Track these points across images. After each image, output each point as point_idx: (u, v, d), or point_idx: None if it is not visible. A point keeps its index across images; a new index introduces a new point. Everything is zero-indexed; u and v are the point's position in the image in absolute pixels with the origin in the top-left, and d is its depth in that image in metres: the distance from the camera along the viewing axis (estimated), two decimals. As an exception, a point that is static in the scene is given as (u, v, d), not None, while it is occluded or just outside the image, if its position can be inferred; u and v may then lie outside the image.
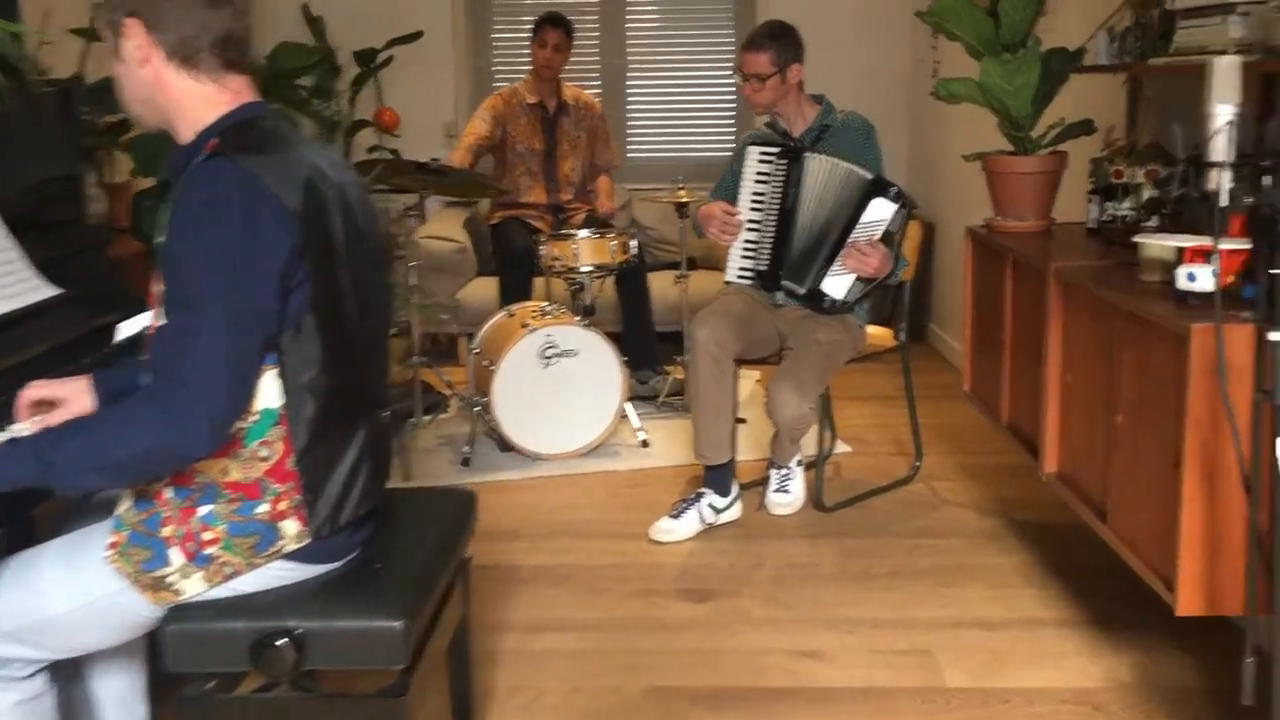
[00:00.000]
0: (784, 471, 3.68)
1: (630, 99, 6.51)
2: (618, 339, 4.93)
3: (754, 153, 3.60)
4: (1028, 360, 3.05)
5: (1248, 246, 2.13)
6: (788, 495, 3.67)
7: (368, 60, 5.89)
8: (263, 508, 1.75)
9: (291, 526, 1.77)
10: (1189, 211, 2.69)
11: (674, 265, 4.92)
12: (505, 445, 4.19)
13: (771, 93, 3.54)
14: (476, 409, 4.24)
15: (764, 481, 3.76)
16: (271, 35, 6.13)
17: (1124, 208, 3.03)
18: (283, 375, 1.71)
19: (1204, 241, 2.20)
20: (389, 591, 1.81)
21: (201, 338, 1.60)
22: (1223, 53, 2.38)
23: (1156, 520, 2.27)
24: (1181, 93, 3.11)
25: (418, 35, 5.91)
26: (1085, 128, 3.34)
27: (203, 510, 1.75)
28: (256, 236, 1.63)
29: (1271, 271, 1.79)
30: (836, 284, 3.44)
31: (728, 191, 3.71)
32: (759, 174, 3.58)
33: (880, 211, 3.36)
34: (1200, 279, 2.17)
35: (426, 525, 2.07)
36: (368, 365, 1.89)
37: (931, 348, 5.84)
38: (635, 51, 6.47)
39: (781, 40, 3.53)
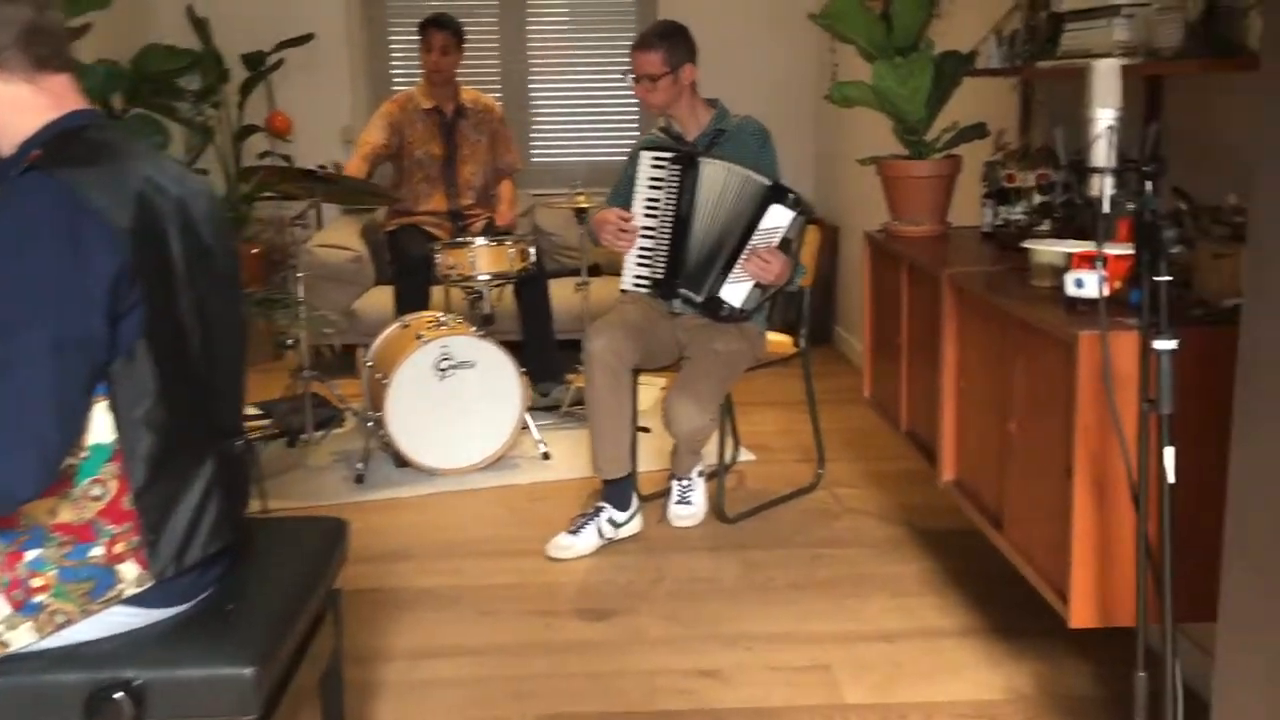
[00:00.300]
0: (685, 483, 3.61)
1: (533, 102, 6.40)
2: (518, 348, 4.84)
3: (647, 158, 3.51)
4: (925, 366, 3.02)
5: (1133, 252, 2.10)
6: (689, 507, 3.60)
7: (256, 64, 5.70)
8: (97, 551, 1.62)
9: (130, 570, 1.64)
10: (1080, 215, 2.67)
11: (577, 272, 4.83)
12: (401, 461, 4.05)
13: (664, 94, 3.46)
14: (370, 424, 4.10)
15: (666, 493, 3.68)
16: (155, 39, 5.92)
17: (1016, 212, 3.01)
18: (114, 408, 1.58)
19: (1090, 247, 2.16)
20: (240, 634, 1.68)
21: (18, 369, 1.46)
22: (1107, 55, 2.35)
23: (1050, 530, 2.23)
24: (1069, 96, 3.10)
25: (308, 38, 5.74)
26: (978, 131, 3.32)
27: (30, 555, 1.61)
28: (78, 256, 1.49)
29: (1155, 279, 1.75)
30: (734, 291, 3.37)
31: (622, 197, 3.63)
32: (652, 179, 3.50)
33: (778, 218, 3.30)
34: (1087, 285, 2.13)
35: (289, 559, 1.94)
36: (215, 393, 1.76)
37: (837, 351, 5.83)
38: (537, 54, 6.36)
39: (672, 40, 3.46)
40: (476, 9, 6.26)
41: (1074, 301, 2.19)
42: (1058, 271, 2.38)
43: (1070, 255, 2.20)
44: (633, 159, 3.63)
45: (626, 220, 3.48)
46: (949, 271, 2.75)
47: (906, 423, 3.21)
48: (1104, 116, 1.73)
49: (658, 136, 3.63)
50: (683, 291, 3.47)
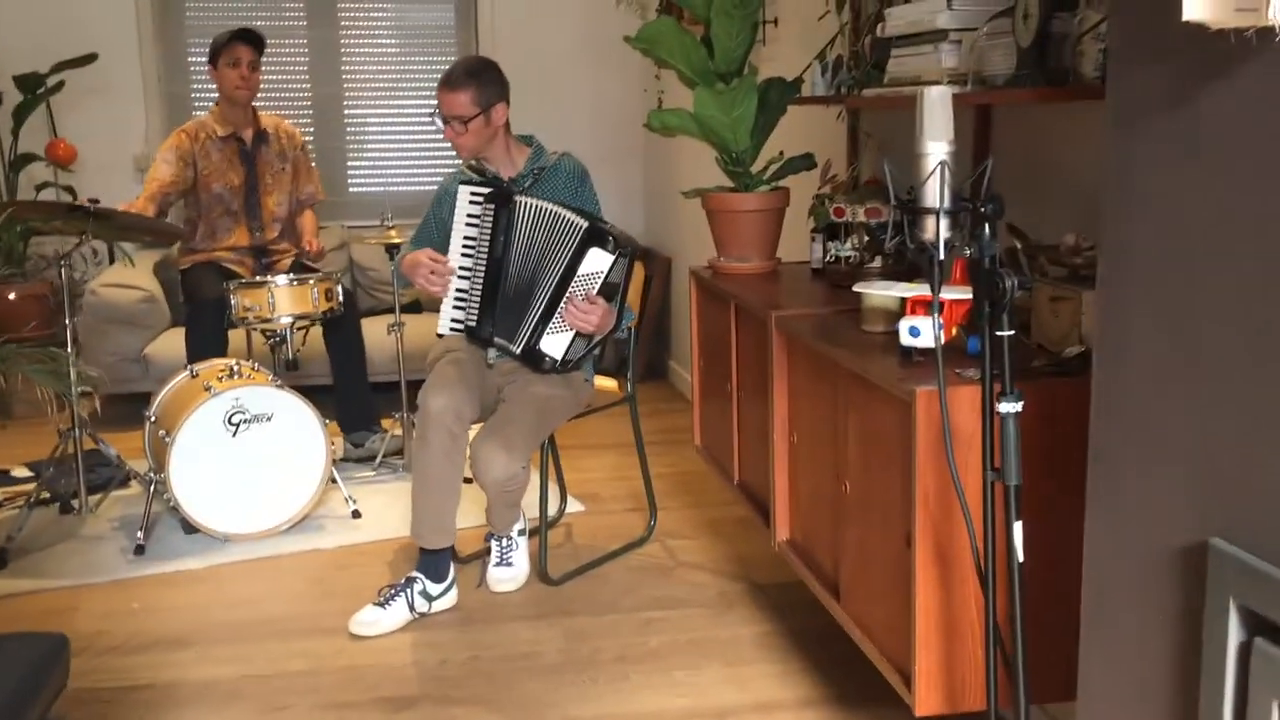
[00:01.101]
0: (505, 543, 3.31)
1: (350, 129, 6.02)
2: (330, 392, 4.46)
3: (465, 193, 3.22)
4: (756, 415, 2.81)
5: (970, 296, 1.92)
6: (510, 569, 3.30)
7: (32, 86, 5.17)
8: None
9: None
10: (912, 253, 2.49)
11: (403, 308, 4.47)
12: (190, 527, 3.63)
13: (475, 137, 3.18)
14: (152, 486, 3.66)
15: (485, 553, 3.38)
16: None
17: (846, 248, 2.84)
18: None
19: (924, 291, 1.98)
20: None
21: None
22: (936, 82, 2.19)
23: (890, 606, 2.03)
24: (897, 126, 2.95)
25: (91, 58, 5.25)
26: (806, 162, 3.15)
27: None
28: None
29: (996, 333, 1.56)
30: (555, 342, 3.09)
31: (428, 236, 3.33)
32: (469, 216, 3.21)
33: (598, 263, 3.03)
34: (923, 333, 1.94)
35: (-16, 694, 1.57)
36: None
37: (672, 387, 5.63)
38: (353, 78, 5.99)
39: (482, 77, 3.18)
40: (282, 29, 5.86)
41: (909, 352, 2.00)
42: (891, 316, 2.20)
43: (904, 301, 2.01)
44: (445, 194, 3.33)
45: (439, 262, 3.18)
46: (777, 314, 2.55)
47: (739, 474, 3.00)
48: (936, 150, 1.53)
49: (464, 171, 3.33)
50: (498, 340, 3.18)
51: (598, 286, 3.03)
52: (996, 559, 1.65)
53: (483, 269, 3.16)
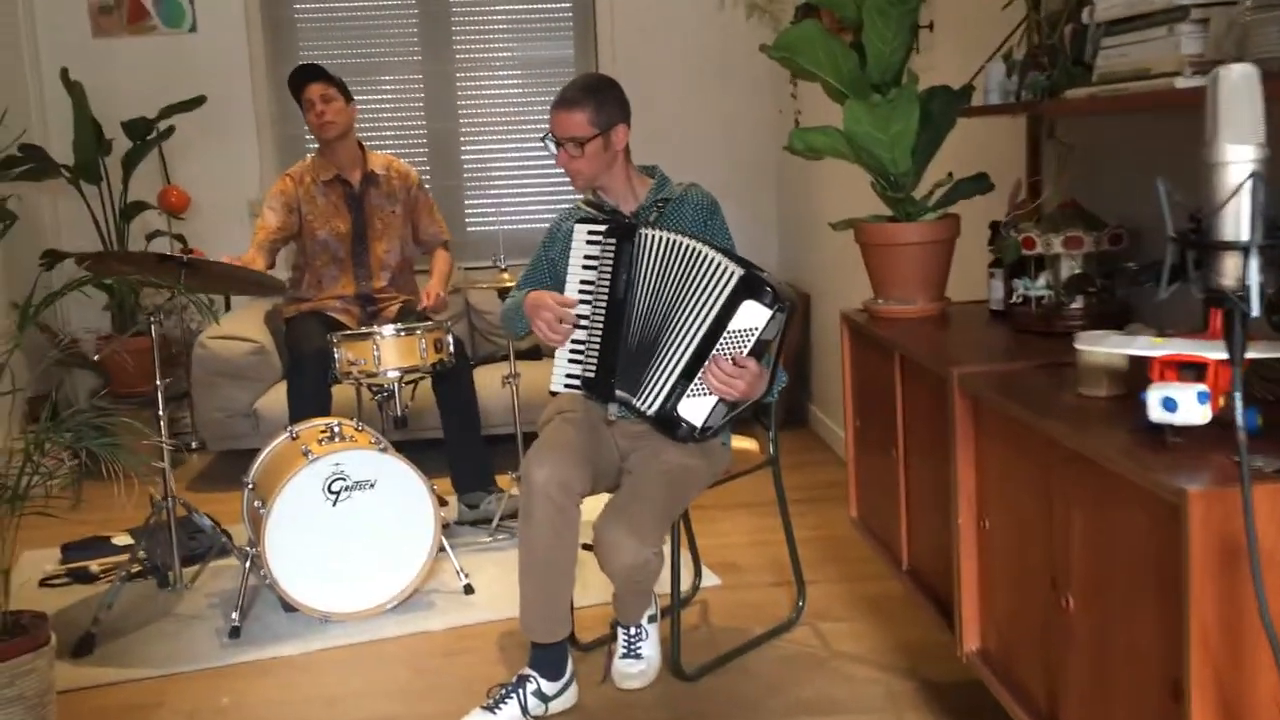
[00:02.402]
0: (633, 631, 2.88)
1: (466, 167, 5.73)
2: (441, 447, 4.12)
3: (582, 232, 2.81)
4: (930, 489, 2.32)
5: (1250, 355, 1.41)
6: (638, 663, 2.86)
7: (142, 132, 5.00)
8: None
9: None
10: (1131, 292, 1.99)
11: (519, 355, 4.11)
12: (289, 605, 3.30)
13: (592, 162, 2.78)
14: (247, 562, 3.35)
15: (610, 640, 2.95)
16: (34, 105, 5.24)
17: (1039, 286, 2.34)
18: None
19: (1179, 348, 1.48)
20: None
21: None
22: (1175, 74, 1.69)
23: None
24: (1113, 136, 2.44)
25: (199, 101, 5.07)
26: (980, 184, 2.66)
27: None
28: None
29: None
30: (695, 408, 2.64)
31: (538, 280, 2.95)
32: (587, 258, 2.80)
33: (752, 318, 2.55)
34: (1184, 407, 1.45)
35: None
36: None
37: (814, 435, 5.13)
38: (468, 114, 5.70)
39: (600, 95, 2.78)
40: (397, 64, 5.62)
41: (1160, 429, 1.50)
42: (1120, 378, 1.70)
43: (1152, 361, 1.51)
44: (555, 234, 2.95)
45: (568, 306, 2.78)
46: (960, 371, 2.06)
47: (909, 560, 2.51)
48: (1240, 157, 1.05)
49: (581, 206, 2.94)
50: (619, 394, 2.76)
51: (749, 347, 2.56)
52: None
53: (601, 313, 2.75)
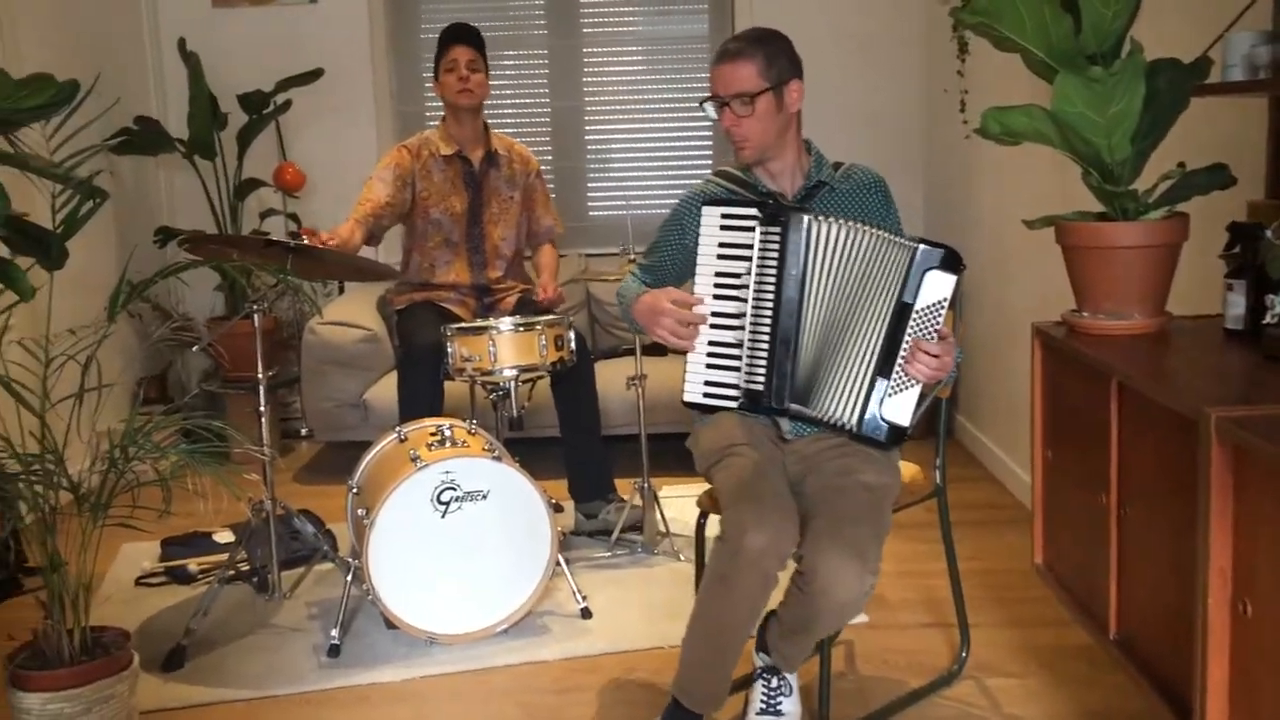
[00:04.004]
0: (777, 683, 2.51)
1: (590, 148, 5.41)
2: (556, 446, 3.81)
3: (714, 216, 2.42)
4: (1160, 553, 1.90)
5: None
6: (780, 719, 2.50)
7: (258, 106, 4.79)
8: None
9: None
10: None
11: (644, 350, 3.77)
12: (393, 622, 3.03)
13: (763, 124, 2.39)
14: (349, 576, 3.08)
15: (744, 685, 2.59)
16: (153, 76, 5.09)
17: (1304, 305, 1.90)
18: None
19: None
20: None
21: None
22: None
23: None
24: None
25: (317, 74, 4.84)
26: (1217, 177, 2.22)
27: None
28: None
29: None
30: (900, 407, 2.27)
31: (671, 269, 2.59)
32: (724, 246, 2.41)
33: (939, 289, 2.23)
34: None
35: None
36: None
37: (964, 449, 4.69)
38: (594, 93, 5.37)
39: (771, 46, 2.39)
40: (521, 39, 5.32)
41: None
42: None
43: None
44: (679, 220, 2.58)
45: (691, 306, 2.42)
46: (1219, 414, 1.64)
47: (1119, 627, 2.09)
48: None
49: (719, 187, 2.56)
50: (796, 408, 2.38)
51: (941, 320, 2.23)
52: None
53: (766, 315, 2.36)
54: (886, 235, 2.27)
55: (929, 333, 2.24)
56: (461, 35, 3.76)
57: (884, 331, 2.25)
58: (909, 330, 2.23)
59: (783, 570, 2.22)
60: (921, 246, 2.24)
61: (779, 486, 2.27)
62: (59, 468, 2.24)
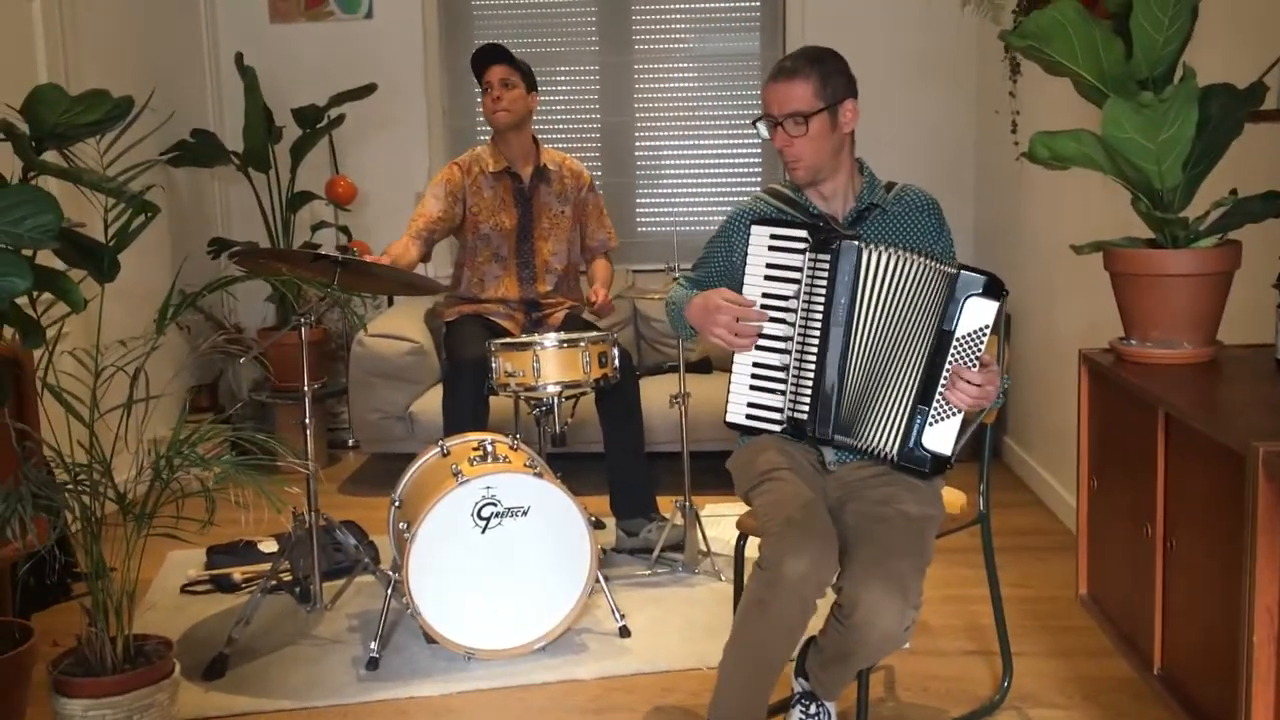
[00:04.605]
0: (813, 709, 2.48)
1: (640, 164, 5.42)
2: (600, 462, 3.81)
3: (763, 235, 2.41)
4: (1207, 587, 1.86)
5: None
6: (816, 748, 2.48)
7: (312, 120, 4.86)
8: None
9: None
10: None
11: (688, 368, 3.76)
12: (431, 636, 3.04)
13: (817, 144, 2.37)
14: (390, 589, 3.10)
15: (782, 710, 2.57)
16: (211, 89, 5.18)
17: (1359, 337, 1.85)
18: None
19: None
20: None
21: None
22: None
23: None
24: None
25: (370, 89, 4.90)
26: (1271, 205, 2.17)
27: None
28: None
29: None
30: (942, 436, 2.26)
31: (708, 288, 2.57)
32: (774, 267, 2.40)
33: (981, 316, 2.21)
34: None
35: None
36: None
37: (1010, 472, 4.63)
38: (645, 109, 5.39)
39: (826, 65, 2.38)
40: (573, 54, 5.35)
41: None
42: None
43: None
44: (728, 236, 2.56)
45: (746, 306, 2.40)
46: (1267, 449, 1.61)
47: (1161, 660, 2.05)
48: None
49: (767, 205, 2.54)
50: (839, 438, 2.36)
51: (984, 347, 2.21)
52: None
53: (815, 341, 2.34)
54: (930, 262, 2.25)
55: (970, 360, 2.21)
56: (489, 56, 3.80)
57: (925, 360, 2.24)
58: (950, 358, 2.21)
59: (822, 598, 2.19)
60: (962, 273, 2.22)
61: (819, 513, 2.24)
62: (105, 478, 2.28)
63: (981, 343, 2.22)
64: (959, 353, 2.21)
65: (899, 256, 2.25)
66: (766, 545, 2.21)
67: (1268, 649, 1.63)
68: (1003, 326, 2.29)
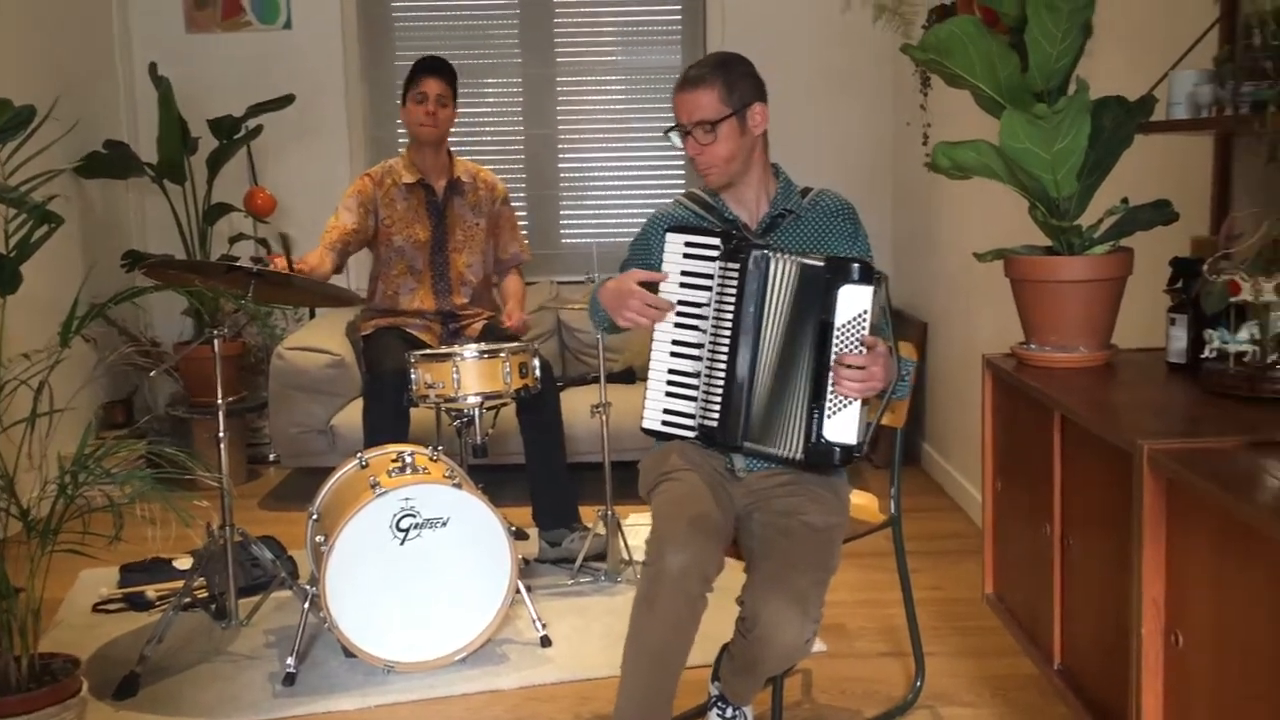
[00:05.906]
0: (730, 712, 2.52)
1: (564, 176, 5.44)
2: (524, 472, 3.81)
3: (678, 243, 2.43)
4: (1100, 583, 1.92)
5: None
6: (731, 750, 2.50)
7: (229, 130, 4.81)
8: None
9: None
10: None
11: (611, 378, 3.78)
12: (350, 650, 3.02)
13: (728, 147, 2.38)
14: (307, 603, 3.07)
15: (700, 714, 2.60)
16: (124, 100, 5.10)
17: (1240, 340, 1.92)
18: None
19: None
20: None
21: None
22: None
23: None
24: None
25: (288, 100, 4.85)
26: (1162, 213, 2.25)
27: None
28: None
29: None
30: (842, 426, 2.27)
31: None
32: (688, 274, 2.42)
33: (856, 302, 2.24)
34: None
35: None
36: None
37: (927, 477, 4.71)
38: (568, 121, 5.41)
39: (731, 71, 2.40)
40: (495, 66, 5.35)
41: None
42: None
43: None
44: (647, 240, 2.56)
45: (656, 291, 2.40)
46: (1151, 446, 1.67)
47: (1061, 656, 2.11)
48: None
49: (683, 210, 2.56)
50: (749, 446, 2.39)
51: (865, 330, 2.24)
52: None
53: (724, 349, 2.36)
54: (807, 260, 2.29)
55: (853, 347, 2.24)
56: (436, 68, 3.78)
57: (811, 354, 2.27)
58: (834, 348, 2.25)
59: (709, 592, 2.22)
60: (835, 263, 2.26)
61: (707, 508, 2.27)
62: (7, 493, 2.24)
63: (862, 328, 2.24)
64: (840, 341, 2.24)
65: (787, 260, 2.29)
66: (649, 541, 2.25)
67: (1154, 642, 1.68)
68: (888, 312, 2.30)
